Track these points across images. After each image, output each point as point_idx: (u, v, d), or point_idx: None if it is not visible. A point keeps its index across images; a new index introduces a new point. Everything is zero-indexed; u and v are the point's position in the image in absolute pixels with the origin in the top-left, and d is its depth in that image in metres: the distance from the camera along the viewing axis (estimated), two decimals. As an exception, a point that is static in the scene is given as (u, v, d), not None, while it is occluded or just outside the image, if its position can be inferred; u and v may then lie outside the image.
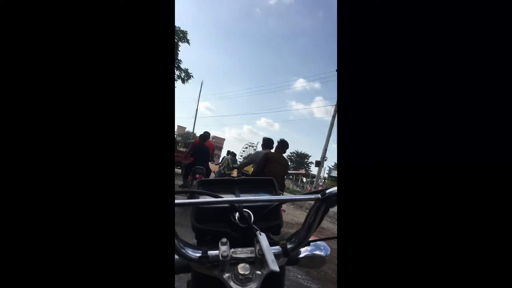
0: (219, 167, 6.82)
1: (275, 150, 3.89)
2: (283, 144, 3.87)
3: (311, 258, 0.59)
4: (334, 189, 0.49)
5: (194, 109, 23.79)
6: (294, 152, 45.11)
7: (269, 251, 0.43)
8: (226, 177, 0.64)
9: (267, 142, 4.02)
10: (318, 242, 0.61)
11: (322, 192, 0.50)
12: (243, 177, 0.63)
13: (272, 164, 3.64)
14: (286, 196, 0.58)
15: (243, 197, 0.54)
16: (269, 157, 3.68)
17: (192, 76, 12.36)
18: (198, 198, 0.52)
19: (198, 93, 24.21)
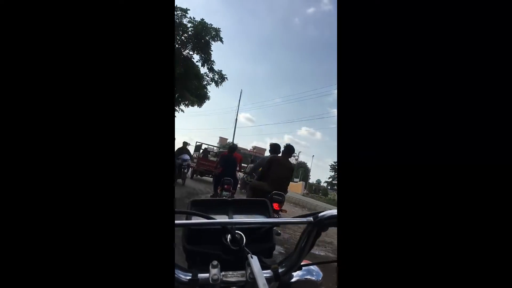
0: (243, 175, 6.96)
1: (281, 155, 4.04)
2: (288, 149, 4.08)
3: (303, 282, 0.58)
4: (326, 212, 0.49)
5: (235, 120, 23.62)
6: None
7: (261, 275, 0.42)
8: (219, 198, 0.63)
9: (274, 147, 4.19)
10: (311, 266, 0.59)
11: (315, 215, 0.49)
12: (236, 198, 0.63)
13: (276, 167, 3.78)
14: (279, 219, 0.57)
15: (235, 219, 0.54)
16: (273, 160, 3.84)
17: (226, 78, 11.12)
18: (190, 218, 0.52)
19: (238, 102, 23.81)
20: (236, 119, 23.60)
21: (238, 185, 6.75)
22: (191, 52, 10.58)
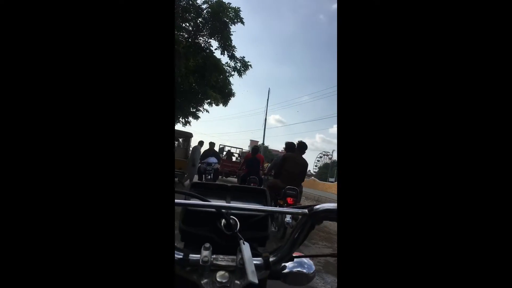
0: (263, 176, 7.45)
1: (295, 152, 4.19)
2: (301, 146, 4.22)
3: (294, 274, 0.57)
4: (322, 205, 0.49)
5: (263, 122, 23.32)
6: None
7: (250, 262, 0.42)
8: (219, 183, 0.62)
9: (289, 146, 4.38)
10: (303, 259, 0.58)
11: (310, 207, 0.49)
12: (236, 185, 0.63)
13: (290, 164, 3.95)
14: (273, 208, 0.56)
15: (231, 204, 0.54)
16: (286, 158, 4.04)
17: (250, 65, 9.68)
18: (189, 200, 0.52)
19: (266, 102, 23.05)
20: (266, 119, 22.76)
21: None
22: (208, 39, 9.28)
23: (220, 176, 10.30)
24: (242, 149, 15.88)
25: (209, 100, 10.31)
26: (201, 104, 11.03)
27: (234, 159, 13.33)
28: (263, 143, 23.92)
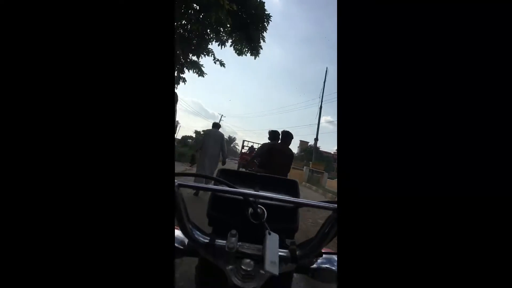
0: (247, 164, 7.26)
1: (280, 142, 3.97)
2: (286, 136, 3.96)
3: (322, 270, 0.55)
4: None
5: (316, 114, 20.77)
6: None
7: (272, 252, 0.42)
8: (248, 172, 0.61)
9: (273, 134, 4.07)
10: (333, 256, 0.56)
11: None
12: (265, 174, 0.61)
13: (275, 155, 3.76)
14: (301, 200, 0.52)
15: (258, 192, 0.51)
16: (271, 148, 3.81)
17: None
18: (217, 185, 0.52)
19: (322, 85, 19.43)
20: (321, 108, 18.82)
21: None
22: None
23: (240, 168, 9.07)
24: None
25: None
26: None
27: None
28: (316, 141, 21.70)
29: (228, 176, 0.56)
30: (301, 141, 48.26)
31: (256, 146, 15.07)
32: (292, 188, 0.57)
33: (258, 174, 0.59)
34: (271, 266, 0.39)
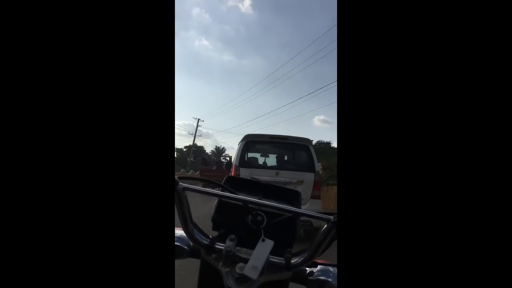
0: None
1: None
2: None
3: (320, 282, 0.55)
4: None
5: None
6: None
7: (257, 258, 0.44)
8: (254, 180, 0.66)
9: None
10: (329, 267, 0.56)
11: (335, 215, 0.47)
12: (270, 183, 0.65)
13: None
14: (298, 209, 0.54)
15: (258, 200, 0.53)
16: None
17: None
18: (220, 191, 0.55)
19: None
20: None
21: None
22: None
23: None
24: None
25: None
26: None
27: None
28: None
29: (234, 183, 0.59)
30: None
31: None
32: (294, 198, 0.60)
33: (263, 183, 0.62)
34: (251, 270, 0.41)
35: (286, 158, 4.45)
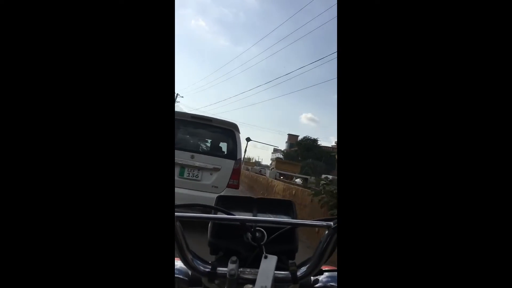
0: None
1: None
2: None
3: None
4: None
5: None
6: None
7: (264, 277, 0.43)
8: (245, 196, 0.64)
9: None
10: (335, 273, 0.56)
11: (335, 220, 0.48)
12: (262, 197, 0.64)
13: None
14: (297, 220, 0.56)
15: (256, 216, 0.54)
16: None
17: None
18: (214, 213, 0.53)
19: None
20: None
21: None
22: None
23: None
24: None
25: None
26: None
27: None
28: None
29: (226, 202, 0.57)
30: (289, 135, 47.86)
31: None
32: (288, 208, 0.59)
33: (254, 197, 0.61)
34: None
35: (207, 141, 4.06)
